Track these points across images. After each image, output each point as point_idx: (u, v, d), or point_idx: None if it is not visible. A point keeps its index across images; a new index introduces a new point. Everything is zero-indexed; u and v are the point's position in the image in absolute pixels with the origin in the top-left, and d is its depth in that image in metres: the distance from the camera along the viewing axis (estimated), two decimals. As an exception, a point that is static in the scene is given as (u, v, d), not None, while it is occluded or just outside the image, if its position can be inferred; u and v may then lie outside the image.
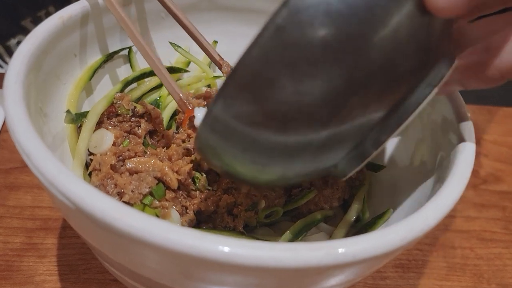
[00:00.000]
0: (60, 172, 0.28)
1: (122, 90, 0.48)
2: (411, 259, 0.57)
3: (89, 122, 0.43)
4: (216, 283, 0.30)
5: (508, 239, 0.61)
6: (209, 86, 0.55)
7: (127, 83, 0.49)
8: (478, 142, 0.37)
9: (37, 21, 0.81)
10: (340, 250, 0.27)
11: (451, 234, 0.61)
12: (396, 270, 0.55)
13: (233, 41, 0.55)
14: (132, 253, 0.30)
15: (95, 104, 0.45)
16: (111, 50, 0.48)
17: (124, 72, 0.51)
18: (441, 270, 0.56)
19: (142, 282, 0.36)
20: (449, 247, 0.59)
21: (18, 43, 0.80)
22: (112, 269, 0.39)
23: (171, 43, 0.53)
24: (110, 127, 0.44)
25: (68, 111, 0.41)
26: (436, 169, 0.39)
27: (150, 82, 0.51)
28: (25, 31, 0.80)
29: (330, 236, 0.46)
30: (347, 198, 0.48)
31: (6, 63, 0.83)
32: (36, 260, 0.51)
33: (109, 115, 0.45)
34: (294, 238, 0.42)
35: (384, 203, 0.46)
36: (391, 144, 0.48)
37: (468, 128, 0.37)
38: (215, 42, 0.55)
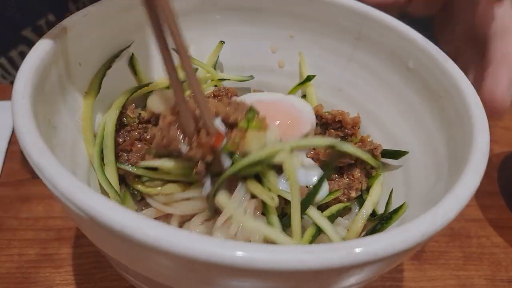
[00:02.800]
0: (74, 186, 0.27)
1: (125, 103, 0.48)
2: (427, 250, 0.56)
3: (109, 155, 0.43)
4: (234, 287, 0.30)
5: (524, 226, 0.60)
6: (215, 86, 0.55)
7: (128, 98, 0.49)
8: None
9: (37, 30, 0.81)
10: (360, 250, 0.26)
11: (467, 223, 0.60)
12: (412, 262, 0.55)
13: (239, 41, 0.55)
14: (151, 262, 0.30)
15: (105, 126, 0.45)
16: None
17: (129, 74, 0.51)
18: (458, 260, 0.56)
19: (157, 288, 0.36)
20: (465, 237, 0.59)
21: (21, 53, 0.80)
22: (128, 277, 0.39)
23: (173, 49, 0.52)
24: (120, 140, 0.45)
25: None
26: (450, 160, 0.39)
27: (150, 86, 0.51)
28: (26, 41, 0.80)
29: (348, 230, 0.46)
30: (364, 189, 0.47)
31: (9, 73, 0.83)
32: (52, 270, 0.51)
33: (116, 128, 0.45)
34: (316, 235, 0.42)
35: (398, 195, 0.46)
36: (403, 135, 0.48)
37: (481, 118, 0.37)
38: (222, 42, 0.55)
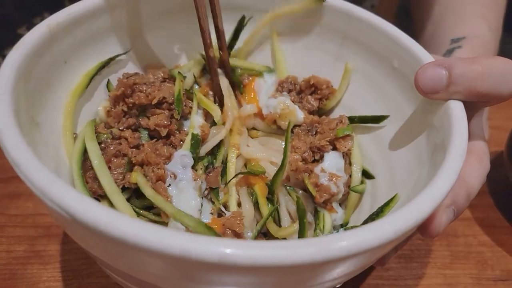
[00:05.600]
0: (51, 182, 0.28)
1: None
2: (414, 249, 0.57)
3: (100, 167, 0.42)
4: (216, 284, 0.30)
5: (511, 225, 0.60)
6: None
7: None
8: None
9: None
10: (332, 246, 0.27)
11: (454, 222, 0.59)
12: (399, 261, 0.55)
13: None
14: (129, 259, 0.30)
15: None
16: (102, 55, 0.48)
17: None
18: (445, 259, 0.56)
19: (142, 286, 0.36)
20: (452, 235, 0.59)
21: (15, 51, 0.81)
22: (112, 275, 0.39)
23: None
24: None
25: None
26: (430, 159, 0.39)
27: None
28: (21, 39, 0.80)
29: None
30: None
31: (4, 72, 0.83)
32: (39, 267, 0.51)
33: None
34: None
35: (382, 194, 0.46)
36: (389, 134, 0.48)
37: (460, 119, 0.37)
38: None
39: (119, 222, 0.26)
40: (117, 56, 0.49)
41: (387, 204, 0.43)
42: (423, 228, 0.36)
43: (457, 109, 0.38)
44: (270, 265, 0.26)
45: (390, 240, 0.28)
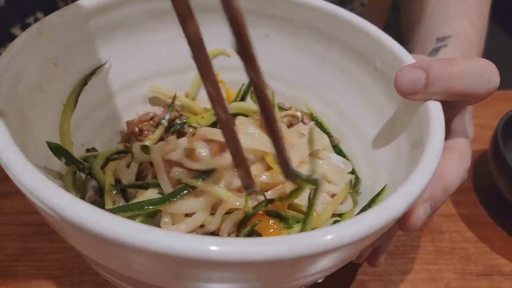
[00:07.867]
0: (40, 183, 0.29)
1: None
2: (399, 245, 0.58)
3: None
4: (201, 279, 0.31)
5: (495, 222, 0.62)
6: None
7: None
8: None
9: (26, 28, 0.82)
10: (305, 243, 0.28)
11: (439, 219, 0.62)
12: (384, 257, 0.56)
13: (215, 41, 0.55)
14: (116, 256, 0.31)
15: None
16: (91, 57, 0.49)
17: (106, 88, 0.52)
18: (430, 255, 0.58)
19: (133, 284, 0.37)
20: (437, 232, 0.60)
21: (8, 51, 0.81)
22: (102, 272, 0.40)
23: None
24: None
25: None
26: (409, 159, 0.41)
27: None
28: (15, 39, 0.81)
29: None
30: None
31: (-2, 72, 0.84)
32: (31, 264, 0.52)
33: None
34: None
35: (365, 196, 0.47)
36: (372, 135, 0.49)
37: (438, 119, 0.38)
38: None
39: (105, 220, 0.27)
40: (98, 68, 0.50)
41: (378, 194, 0.44)
42: (401, 223, 0.38)
43: (435, 109, 0.39)
44: (244, 261, 0.27)
45: (366, 236, 0.30)
